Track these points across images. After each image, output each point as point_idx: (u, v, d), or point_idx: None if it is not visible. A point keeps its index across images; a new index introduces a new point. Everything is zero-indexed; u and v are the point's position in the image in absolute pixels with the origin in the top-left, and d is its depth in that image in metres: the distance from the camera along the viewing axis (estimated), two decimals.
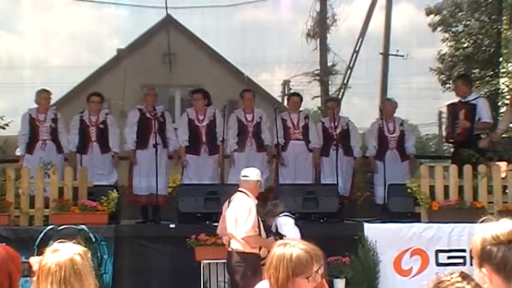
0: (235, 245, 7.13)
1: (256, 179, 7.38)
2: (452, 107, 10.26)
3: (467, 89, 10.15)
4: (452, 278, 2.39)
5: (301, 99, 10.85)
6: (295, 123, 10.22)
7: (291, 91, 19.39)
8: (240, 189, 7.38)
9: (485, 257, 2.45)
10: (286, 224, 7.67)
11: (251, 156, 9.99)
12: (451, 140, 10.40)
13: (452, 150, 11.11)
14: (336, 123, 10.29)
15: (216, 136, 10.00)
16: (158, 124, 9.79)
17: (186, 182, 9.83)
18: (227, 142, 9.98)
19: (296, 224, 7.76)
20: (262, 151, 10.11)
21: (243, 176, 7.47)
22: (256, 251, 7.09)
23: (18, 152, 9.98)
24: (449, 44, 19.38)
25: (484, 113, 9.91)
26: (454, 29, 19.54)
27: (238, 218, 7.08)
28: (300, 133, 10.21)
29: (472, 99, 10.01)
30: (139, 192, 9.78)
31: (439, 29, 19.57)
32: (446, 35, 19.56)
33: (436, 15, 19.49)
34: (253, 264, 7.00)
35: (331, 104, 10.89)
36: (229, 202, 7.39)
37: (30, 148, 9.83)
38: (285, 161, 10.06)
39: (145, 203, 9.84)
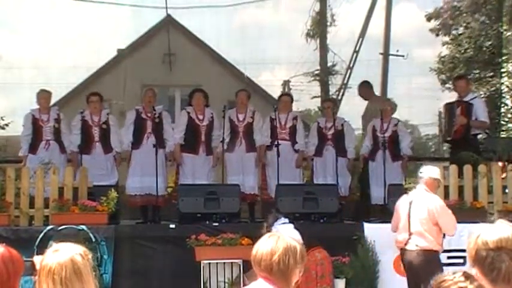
0: (423, 243, 7.18)
1: (434, 177, 7.46)
2: (449, 106, 10.36)
3: (468, 88, 10.29)
4: (455, 277, 2.43)
5: (292, 99, 10.95)
6: (283, 123, 10.24)
7: (291, 91, 19.41)
8: (419, 186, 7.47)
9: (476, 259, 2.58)
10: (285, 231, 7.66)
11: (241, 156, 10.01)
12: (449, 139, 10.44)
13: (450, 151, 11.13)
14: (332, 124, 10.30)
15: (212, 138, 10.02)
16: (154, 124, 9.79)
17: (183, 182, 9.81)
18: (224, 141, 9.97)
19: (295, 227, 7.78)
20: (253, 151, 10.12)
21: (420, 173, 7.58)
22: (439, 248, 7.29)
23: (21, 153, 9.96)
24: (449, 46, 19.42)
25: (480, 112, 10.10)
26: (454, 32, 19.56)
27: (439, 216, 7.21)
28: (286, 133, 10.23)
29: (469, 99, 10.18)
30: (132, 192, 9.75)
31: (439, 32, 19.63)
32: (447, 38, 19.60)
33: (436, 19, 19.53)
34: (439, 261, 7.22)
35: (327, 104, 10.94)
36: (409, 200, 7.41)
37: (33, 148, 9.82)
38: (268, 161, 10.07)
39: (141, 203, 9.83)
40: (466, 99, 10.16)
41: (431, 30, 19.49)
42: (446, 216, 7.27)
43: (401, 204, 7.54)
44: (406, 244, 7.35)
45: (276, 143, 9.95)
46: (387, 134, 10.18)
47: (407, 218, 7.36)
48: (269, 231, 7.67)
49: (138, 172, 9.74)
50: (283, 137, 10.18)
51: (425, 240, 7.23)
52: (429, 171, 7.51)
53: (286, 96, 11.25)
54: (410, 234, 7.31)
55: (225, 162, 10.00)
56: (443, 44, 19.60)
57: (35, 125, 9.88)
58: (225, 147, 9.94)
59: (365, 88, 11.69)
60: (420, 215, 7.26)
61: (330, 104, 10.88)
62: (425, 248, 7.22)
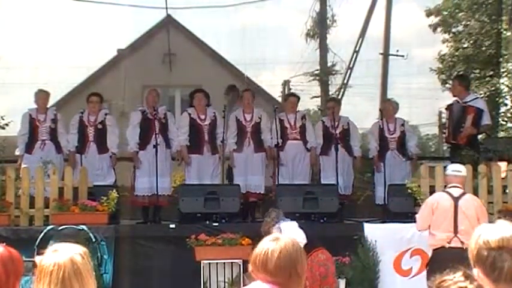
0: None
1: (465, 175, 7.62)
2: (457, 109, 10.10)
3: (463, 90, 10.16)
4: (455, 277, 2.43)
5: (299, 100, 10.91)
6: (292, 124, 10.22)
7: (291, 91, 19.40)
8: (454, 184, 7.52)
9: (477, 259, 2.57)
10: (290, 228, 7.66)
11: (249, 156, 10.00)
12: (453, 142, 10.31)
13: (450, 151, 11.08)
14: (336, 123, 10.30)
15: (216, 136, 10.00)
16: (160, 125, 9.79)
17: (189, 182, 9.81)
18: (226, 142, 9.97)
19: (299, 226, 7.77)
20: (261, 151, 10.10)
21: (453, 171, 7.61)
22: None
23: (17, 152, 9.98)
24: (449, 44, 19.42)
25: (484, 114, 9.95)
26: (454, 30, 19.57)
27: (481, 215, 7.33)
28: (297, 133, 10.21)
29: (470, 100, 10.03)
30: (141, 193, 9.74)
31: (439, 29, 19.61)
32: (447, 36, 19.60)
33: (436, 16, 19.53)
34: None
35: (331, 103, 10.90)
36: (454, 198, 7.42)
37: (29, 148, 9.83)
38: (283, 161, 10.04)
39: (148, 203, 9.80)
40: (467, 99, 10.04)
41: (430, 25, 19.50)
42: (486, 216, 7.37)
43: (442, 203, 7.47)
44: (449, 242, 7.32)
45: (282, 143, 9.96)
46: (396, 135, 10.19)
47: (453, 216, 7.35)
48: (271, 226, 7.67)
49: (146, 173, 9.71)
50: (294, 137, 10.16)
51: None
52: (463, 170, 7.62)
53: (294, 96, 11.15)
54: (456, 232, 7.30)
55: (234, 163, 9.99)
56: (443, 41, 19.59)
57: (32, 125, 9.89)
58: (230, 147, 9.93)
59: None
60: (469, 212, 7.31)
61: (334, 103, 10.87)
62: None
